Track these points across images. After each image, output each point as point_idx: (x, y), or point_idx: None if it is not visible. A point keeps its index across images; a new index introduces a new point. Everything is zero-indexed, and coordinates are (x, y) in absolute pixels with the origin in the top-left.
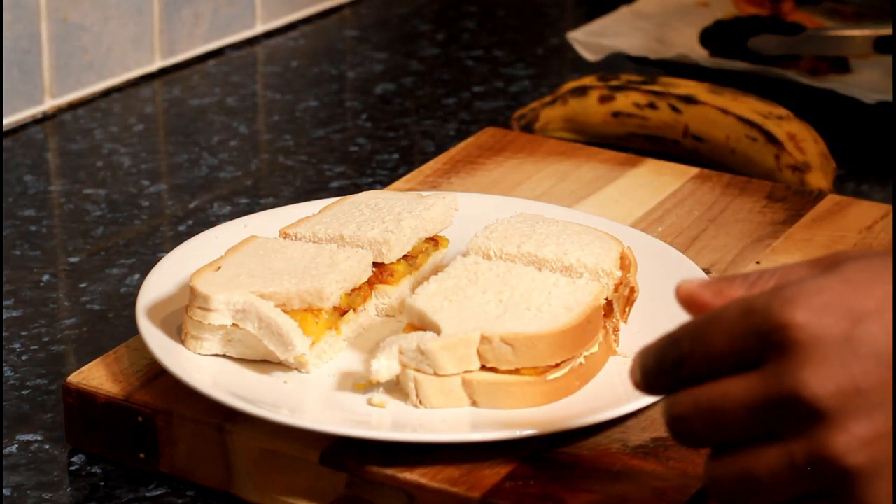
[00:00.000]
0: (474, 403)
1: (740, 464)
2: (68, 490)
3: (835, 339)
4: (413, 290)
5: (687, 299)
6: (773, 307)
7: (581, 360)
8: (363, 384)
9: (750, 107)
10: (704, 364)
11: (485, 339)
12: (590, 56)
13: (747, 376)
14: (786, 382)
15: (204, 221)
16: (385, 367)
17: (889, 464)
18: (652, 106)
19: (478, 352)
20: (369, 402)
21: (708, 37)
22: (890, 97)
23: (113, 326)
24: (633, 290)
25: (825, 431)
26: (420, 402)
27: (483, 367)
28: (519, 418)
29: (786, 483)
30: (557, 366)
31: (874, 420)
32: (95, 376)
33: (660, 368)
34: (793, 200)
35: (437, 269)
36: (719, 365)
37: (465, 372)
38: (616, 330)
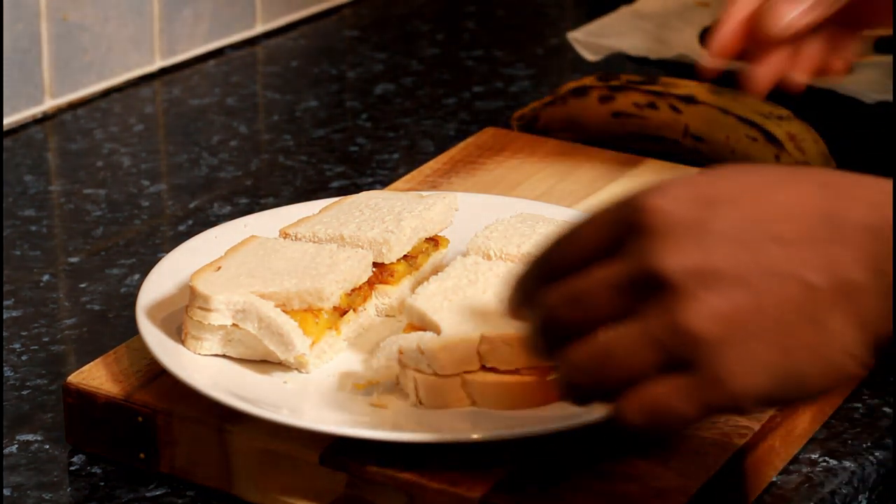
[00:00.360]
0: (474, 403)
1: (597, 341)
2: (68, 490)
3: (689, 222)
4: (413, 290)
5: None
6: (636, 196)
7: None
8: (363, 384)
9: (750, 107)
10: (573, 257)
11: (485, 340)
12: (590, 56)
13: (610, 261)
14: (643, 261)
15: (204, 221)
16: (385, 366)
17: (745, 339)
18: (652, 106)
19: (478, 352)
20: (371, 403)
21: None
22: (890, 97)
23: (113, 326)
24: None
25: (678, 303)
26: (420, 403)
27: (483, 368)
28: (519, 418)
29: (640, 355)
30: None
31: (729, 297)
32: (95, 376)
33: (531, 272)
34: None
35: (437, 269)
36: (586, 255)
37: (465, 372)
38: None
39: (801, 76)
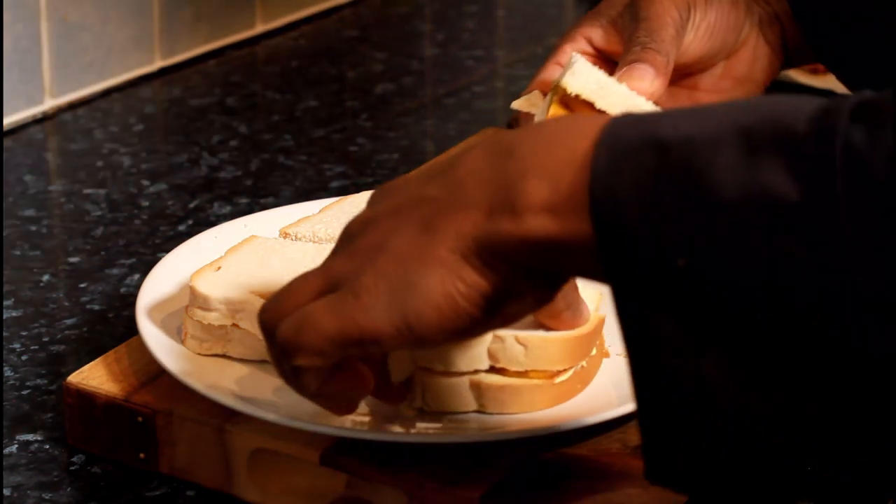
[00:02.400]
0: (482, 407)
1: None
2: (68, 490)
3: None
4: None
5: None
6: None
7: (583, 363)
8: None
9: None
10: (283, 307)
11: (497, 338)
12: None
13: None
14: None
15: (204, 221)
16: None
17: (373, 261)
18: None
19: (489, 350)
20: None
21: None
22: None
23: (113, 326)
24: None
25: (330, 260)
26: (427, 405)
27: (491, 369)
28: (519, 419)
29: (304, 292)
30: (564, 369)
31: (361, 238)
32: (95, 376)
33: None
34: None
35: None
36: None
37: (474, 372)
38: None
39: None
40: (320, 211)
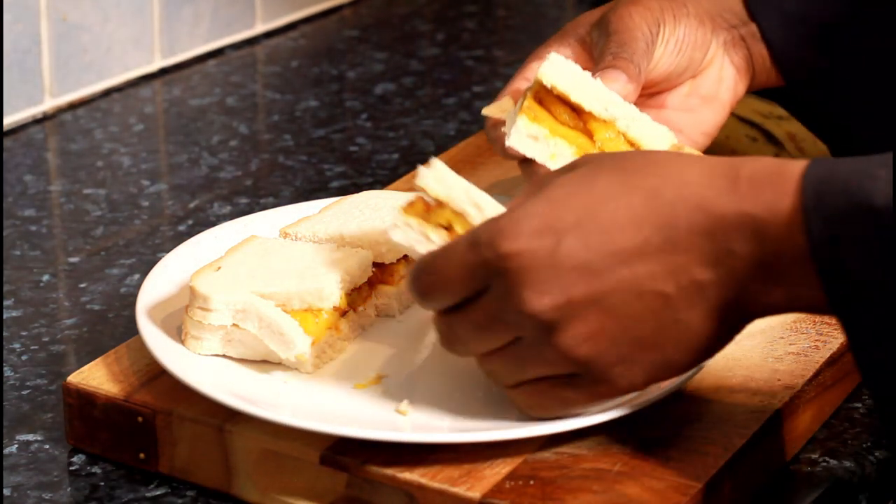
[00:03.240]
0: None
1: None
2: (68, 490)
3: (543, 260)
4: None
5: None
6: (492, 240)
7: None
8: (363, 384)
9: (750, 107)
10: (442, 293)
11: None
12: None
13: (481, 302)
14: (510, 305)
15: (204, 221)
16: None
17: (616, 348)
18: None
19: None
20: (397, 411)
21: None
22: None
23: (113, 326)
24: None
25: (552, 336)
26: None
27: None
28: (519, 418)
29: (537, 368)
30: None
31: (587, 321)
32: (95, 376)
33: (415, 297)
34: None
35: None
36: (455, 292)
37: None
38: None
39: None
40: (320, 211)
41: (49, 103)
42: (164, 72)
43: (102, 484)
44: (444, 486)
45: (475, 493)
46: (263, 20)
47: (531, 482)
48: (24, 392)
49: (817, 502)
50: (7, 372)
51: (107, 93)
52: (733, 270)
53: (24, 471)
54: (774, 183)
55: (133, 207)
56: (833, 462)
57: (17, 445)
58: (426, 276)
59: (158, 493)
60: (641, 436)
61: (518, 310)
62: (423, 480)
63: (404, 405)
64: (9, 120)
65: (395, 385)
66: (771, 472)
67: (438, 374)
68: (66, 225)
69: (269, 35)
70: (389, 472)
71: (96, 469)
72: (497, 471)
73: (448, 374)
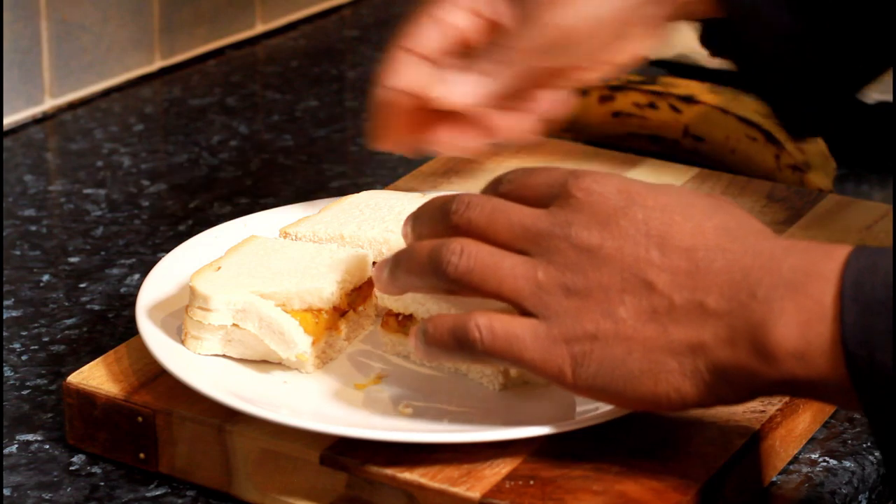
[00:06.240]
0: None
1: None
2: (68, 490)
3: (606, 208)
4: None
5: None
6: (576, 174)
7: None
8: (363, 384)
9: (750, 106)
10: (517, 187)
11: None
12: None
13: (536, 210)
14: (561, 228)
15: (204, 221)
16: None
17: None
18: (652, 106)
19: None
20: (400, 412)
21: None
22: (890, 97)
23: (113, 326)
24: None
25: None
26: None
27: None
28: (520, 418)
29: (516, 281)
30: None
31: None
32: (95, 376)
33: (489, 184)
34: (793, 200)
35: None
36: (524, 192)
37: None
38: None
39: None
40: (320, 211)
41: (49, 103)
42: (164, 72)
43: (102, 484)
44: (444, 486)
45: (475, 493)
46: (263, 20)
47: (531, 482)
48: (24, 392)
49: (817, 502)
50: (7, 372)
51: (107, 93)
52: (744, 306)
53: (24, 471)
54: (820, 270)
55: (133, 207)
56: (833, 462)
57: (17, 445)
58: (513, 173)
59: (158, 493)
60: (642, 436)
61: (562, 230)
62: (423, 480)
63: (404, 405)
64: (9, 120)
65: (395, 385)
66: (771, 473)
67: (438, 374)
68: (66, 225)
69: (269, 35)
70: (389, 472)
71: (96, 469)
72: (497, 471)
73: (448, 374)
